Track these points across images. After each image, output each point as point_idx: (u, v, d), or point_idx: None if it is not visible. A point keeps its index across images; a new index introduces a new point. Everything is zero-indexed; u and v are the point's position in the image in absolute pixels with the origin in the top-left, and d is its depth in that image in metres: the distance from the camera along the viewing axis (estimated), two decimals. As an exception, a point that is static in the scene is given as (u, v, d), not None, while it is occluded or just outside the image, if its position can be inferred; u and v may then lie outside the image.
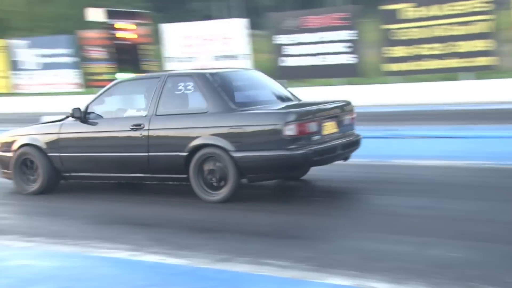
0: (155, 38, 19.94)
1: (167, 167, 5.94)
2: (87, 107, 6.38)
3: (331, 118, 5.94)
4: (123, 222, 5.31)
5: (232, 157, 5.53)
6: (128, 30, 12.23)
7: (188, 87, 6.00)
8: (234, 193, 5.63)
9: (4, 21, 31.89)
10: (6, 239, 4.87)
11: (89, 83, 22.79)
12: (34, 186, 6.61)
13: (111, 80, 7.57)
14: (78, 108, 6.36)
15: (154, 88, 6.11)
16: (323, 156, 5.71)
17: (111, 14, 12.12)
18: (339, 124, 6.06)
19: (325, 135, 5.79)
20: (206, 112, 5.79)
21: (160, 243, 4.52)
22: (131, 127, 6.05)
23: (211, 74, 6.07)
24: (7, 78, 25.94)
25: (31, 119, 17.87)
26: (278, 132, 5.41)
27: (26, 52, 24.43)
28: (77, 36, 22.52)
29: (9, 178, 6.83)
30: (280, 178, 6.45)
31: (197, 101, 5.91)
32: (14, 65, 24.41)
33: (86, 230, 5.04)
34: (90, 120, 6.34)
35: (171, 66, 20.48)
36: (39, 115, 16.12)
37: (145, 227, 5.12)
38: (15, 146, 6.68)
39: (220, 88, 5.87)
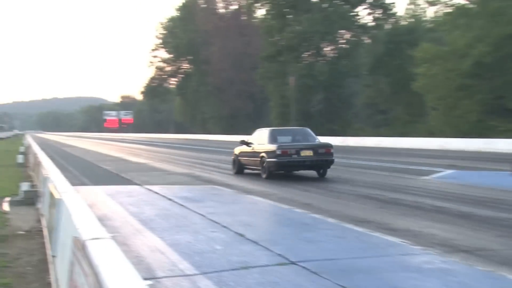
0: None
1: (258, 164, 14.95)
2: (248, 139, 15.94)
3: (308, 149, 14.31)
4: None
5: (267, 160, 14.41)
6: None
7: (266, 133, 15.27)
8: (270, 176, 14.41)
9: None
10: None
11: None
12: (234, 170, 16.52)
13: None
14: (244, 140, 16.14)
15: (260, 133, 15.65)
16: (295, 164, 14.34)
17: None
18: (315, 152, 14.29)
19: (302, 156, 14.19)
20: (265, 143, 14.83)
21: None
22: (251, 147, 15.53)
23: (273, 129, 16.10)
24: None
25: None
26: (275, 151, 14.19)
27: None
28: None
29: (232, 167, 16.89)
30: (284, 172, 15.14)
31: (266, 139, 15.03)
32: None
33: None
34: (248, 145, 15.74)
35: None
36: None
37: None
38: (234, 153, 16.74)
39: (273, 135, 15.13)
